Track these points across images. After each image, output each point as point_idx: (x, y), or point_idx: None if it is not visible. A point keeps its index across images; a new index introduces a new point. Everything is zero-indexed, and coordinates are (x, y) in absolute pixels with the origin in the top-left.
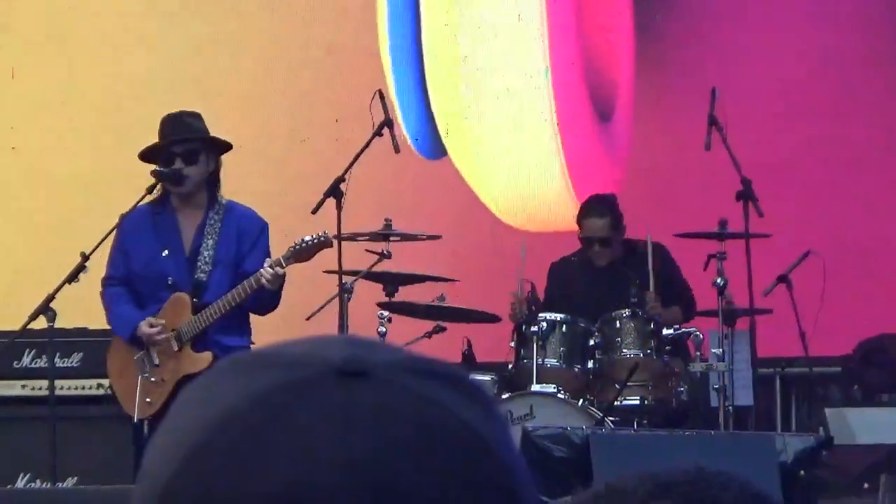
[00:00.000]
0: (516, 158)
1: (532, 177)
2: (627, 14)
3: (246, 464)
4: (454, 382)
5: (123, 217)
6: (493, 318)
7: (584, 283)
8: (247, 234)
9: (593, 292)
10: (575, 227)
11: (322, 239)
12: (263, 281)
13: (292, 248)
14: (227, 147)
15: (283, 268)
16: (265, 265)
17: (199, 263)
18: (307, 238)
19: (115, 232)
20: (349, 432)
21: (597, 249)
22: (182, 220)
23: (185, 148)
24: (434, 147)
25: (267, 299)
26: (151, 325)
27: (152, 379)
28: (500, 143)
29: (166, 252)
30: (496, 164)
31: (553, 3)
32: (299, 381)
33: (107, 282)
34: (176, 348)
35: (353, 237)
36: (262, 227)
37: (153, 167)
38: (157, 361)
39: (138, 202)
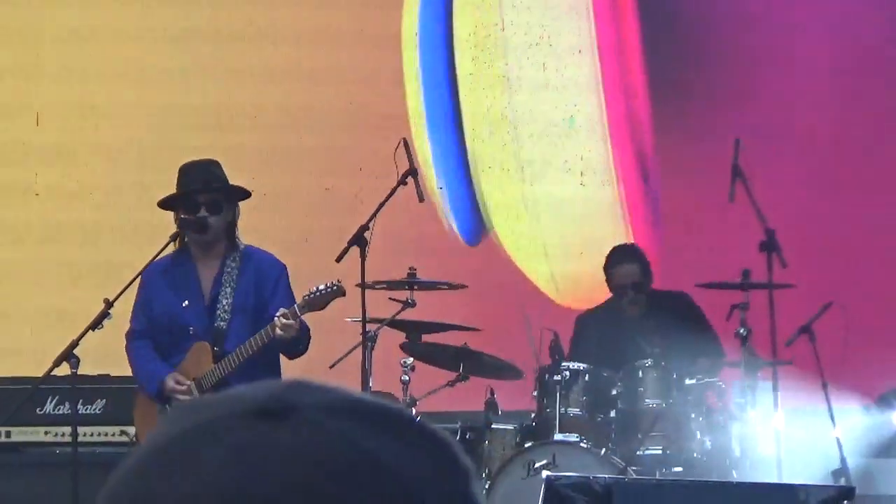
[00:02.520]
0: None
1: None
2: (640, 70)
3: (154, 501)
4: (391, 426)
5: (145, 269)
6: (516, 373)
7: (610, 334)
8: (266, 278)
9: (619, 344)
10: None
11: (335, 288)
12: (278, 331)
13: (305, 298)
14: (245, 195)
15: (297, 318)
16: (277, 315)
17: (219, 311)
18: (320, 287)
19: (138, 283)
20: (256, 472)
21: (631, 296)
22: (201, 269)
23: (209, 197)
24: (475, 229)
25: (288, 345)
26: (178, 383)
27: None
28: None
29: (186, 302)
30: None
31: (605, 66)
32: (213, 421)
33: (130, 335)
34: (197, 396)
35: (374, 285)
36: (281, 270)
37: (176, 213)
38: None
39: (162, 250)
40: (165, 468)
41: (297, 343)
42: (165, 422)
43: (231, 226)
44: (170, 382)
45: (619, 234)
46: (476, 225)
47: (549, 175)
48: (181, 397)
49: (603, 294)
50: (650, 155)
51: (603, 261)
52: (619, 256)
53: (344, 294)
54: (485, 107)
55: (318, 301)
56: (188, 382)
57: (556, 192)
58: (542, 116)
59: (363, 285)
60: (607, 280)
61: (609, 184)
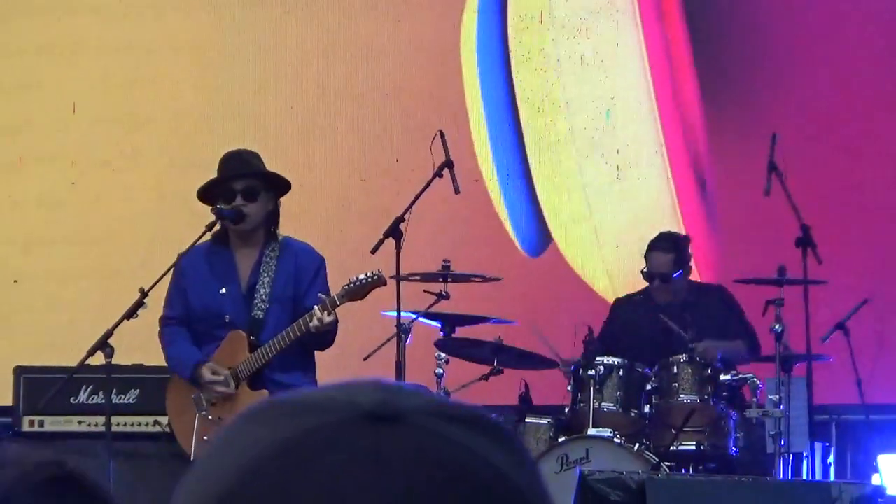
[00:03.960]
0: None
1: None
2: (691, 78)
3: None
4: (484, 427)
5: (181, 256)
6: (551, 364)
7: (645, 322)
8: (305, 270)
9: (652, 332)
10: None
11: (376, 277)
12: (314, 322)
13: (346, 287)
14: (286, 186)
15: (335, 307)
16: (315, 309)
17: (256, 301)
18: (361, 277)
19: (172, 270)
20: (380, 478)
21: (656, 285)
22: (239, 258)
23: (245, 185)
24: (540, 240)
25: (321, 336)
26: (214, 373)
27: (209, 417)
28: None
29: (223, 290)
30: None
31: (655, 76)
32: (328, 426)
33: (164, 321)
34: (233, 388)
35: (408, 277)
36: (320, 262)
37: (211, 205)
38: (213, 400)
39: (198, 240)
40: (289, 472)
41: (327, 335)
42: (267, 422)
43: (271, 216)
44: (206, 374)
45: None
46: (538, 237)
47: (602, 172)
48: (219, 388)
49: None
50: (704, 153)
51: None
52: (654, 243)
53: (385, 283)
54: (537, 104)
55: (359, 291)
56: (225, 372)
57: (611, 189)
58: (593, 114)
59: (398, 277)
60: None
61: (665, 179)
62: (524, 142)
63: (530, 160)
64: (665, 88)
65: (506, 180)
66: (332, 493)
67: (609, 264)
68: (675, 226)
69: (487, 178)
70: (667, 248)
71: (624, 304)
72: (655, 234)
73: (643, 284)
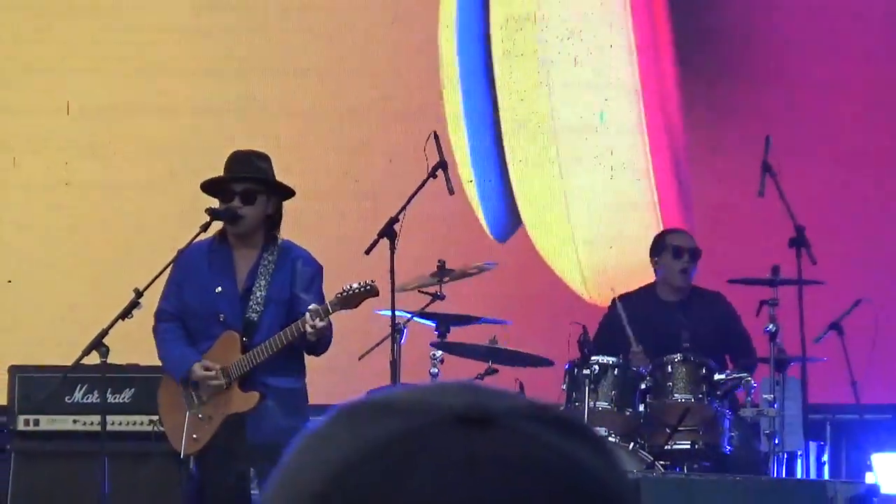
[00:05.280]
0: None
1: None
2: (671, 63)
3: None
4: (575, 429)
5: (181, 251)
6: (545, 363)
7: (643, 319)
8: (301, 275)
9: (651, 330)
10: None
11: (368, 287)
12: (308, 327)
13: (338, 295)
14: (289, 193)
15: (328, 314)
16: (308, 314)
17: (252, 303)
18: (354, 286)
19: (171, 265)
20: (475, 481)
21: (685, 261)
22: (238, 259)
23: (244, 188)
24: (506, 225)
25: (312, 344)
26: (207, 369)
27: (199, 416)
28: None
29: (220, 289)
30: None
31: (640, 60)
32: (420, 429)
33: (159, 315)
34: (224, 386)
35: (403, 288)
36: (317, 270)
37: (211, 202)
38: (204, 398)
39: (193, 239)
40: (381, 476)
41: (321, 341)
42: (358, 424)
43: (269, 220)
44: (198, 370)
45: (650, 230)
46: (507, 220)
47: (581, 169)
48: (212, 383)
49: (632, 288)
50: (682, 148)
51: (632, 255)
52: (671, 231)
53: (377, 294)
54: (517, 100)
55: (351, 300)
56: (217, 367)
57: (588, 186)
58: (574, 111)
59: (392, 277)
60: (657, 258)
61: (641, 178)
62: (503, 146)
63: (510, 158)
64: (651, 91)
65: (484, 182)
66: (426, 498)
67: (583, 262)
68: (654, 224)
69: (465, 179)
70: (688, 235)
71: (629, 300)
72: (632, 233)
73: (616, 285)
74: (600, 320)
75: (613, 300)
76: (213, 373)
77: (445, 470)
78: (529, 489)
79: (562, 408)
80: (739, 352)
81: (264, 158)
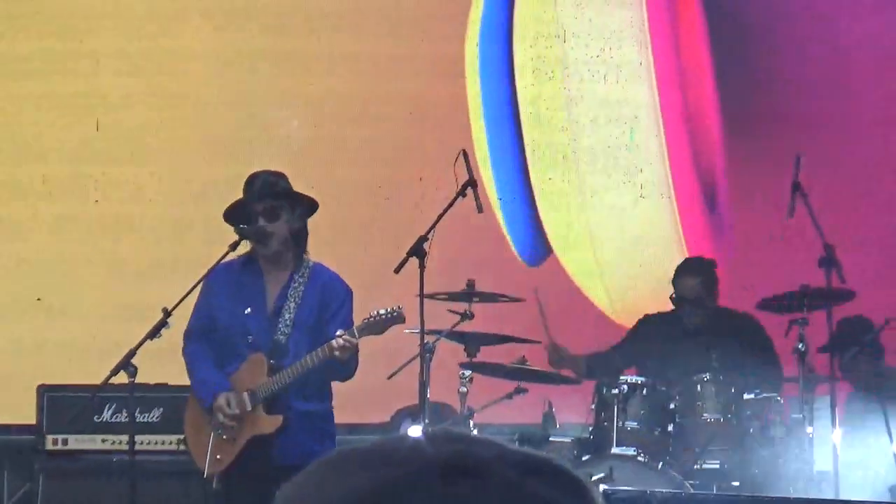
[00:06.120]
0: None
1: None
2: (711, 92)
3: None
4: (560, 478)
5: (210, 271)
6: (574, 382)
7: (668, 342)
8: (330, 299)
9: (675, 353)
10: None
11: (395, 314)
12: (335, 351)
13: (366, 321)
14: (312, 206)
15: (355, 339)
16: (337, 335)
17: (280, 325)
18: (381, 312)
19: (201, 284)
20: None
21: (687, 310)
22: (268, 280)
23: (265, 206)
24: (537, 250)
25: (339, 368)
26: (228, 405)
27: (224, 436)
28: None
29: (249, 310)
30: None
31: (661, 84)
32: (406, 477)
33: (188, 335)
34: (249, 408)
35: (434, 296)
36: (347, 294)
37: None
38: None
39: (221, 259)
40: None
41: (349, 365)
42: (343, 472)
43: (298, 237)
44: (220, 400)
45: (674, 251)
46: (537, 246)
47: (608, 190)
48: (226, 421)
49: (659, 308)
50: (719, 174)
51: (657, 276)
52: (683, 268)
53: (403, 321)
54: (545, 119)
55: (378, 326)
56: (236, 412)
57: (615, 206)
58: (601, 130)
59: (421, 295)
60: (674, 291)
61: (667, 199)
62: (526, 161)
63: (535, 178)
64: (676, 108)
65: (509, 202)
66: None
67: (609, 285)
68: (678, 245)
69: (491, 198)
70: (695, 272)
71: (652, 321)
72: (657, 255)
73: (643, 306)
74: (626, 333)
75: (643, 317)
76: (231, 412)
77: None
78: None
79: (549, 455)
80: (766, 377)
81: (280, 175)
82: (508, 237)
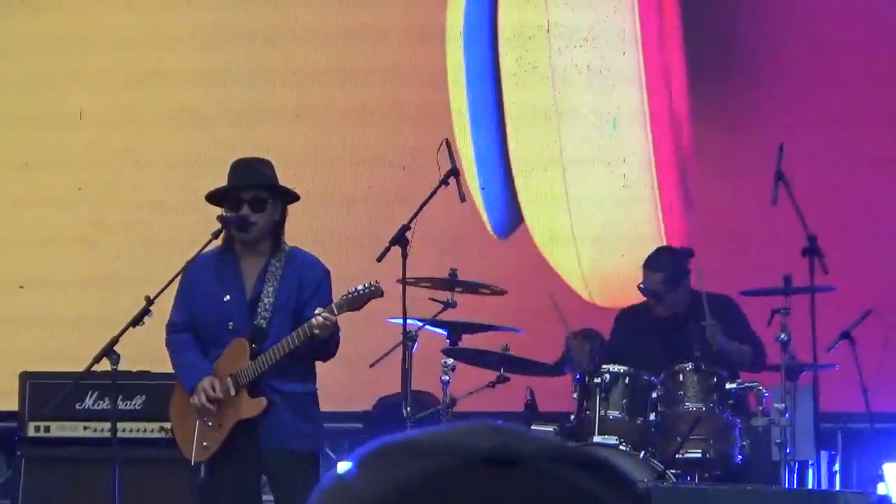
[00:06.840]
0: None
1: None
2: (680, 61)
3: None
4: (601, 470)
5: (189, 262)
6: (555, 371)
7: (648, 332)
8: (309, 281)
9: (656, 342)
10: None
11: (373, 288)
12: (315, 329)
13: (344, 297)
14: (294, 197)
15: (334, 315)
16: (316, 312)
17: (260, 310)
18: (359, 287)
19: (181, 276)
20: None
21: (651, 303)
22: (245, 266)
23: (253, 195)
24: (508, 222)
25: (320, 347)
26: (211, 388)
27: (209, 423)
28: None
29: (228, 297)
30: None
31: (649, 68)
32: (448, 470)
33: (171, 328)
34: (233, 393)
35: (416, 282)
36: (325, 275)
37: (219, 212)
38: (214, 407)
39: (203, 247)
40: None
41: (329, 344)
42: (385, 466)
43: (277, 226)
44: (205, 383)
45: (653, 236)
46: (509, 218)
47: (590, 175)
48: (206, 404)
49: (633, 291)
50: (690, 157)
51: (633, 259)
52: (648, 262)
53: (382, 295)
54: (528, 107)
55: (357, 301)
56: (220, 395)
57: (595, 192)
58: (584, 117)
59: (404, 282)
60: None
61: (647, 186)
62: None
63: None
64: (661, 98)
65: (490, 191)
66: None
67: (584, 266)
68: (657, 230)
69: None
70: (657, 266)
71: (627, 315)
72: (636, 239)
73: (617, 287)
74: (609, 334)
75: (618, 313)
76: (213, 395)
77: None
78: None
79: (591, 449)
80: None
81: (268, 164)
82: (484, 212)
